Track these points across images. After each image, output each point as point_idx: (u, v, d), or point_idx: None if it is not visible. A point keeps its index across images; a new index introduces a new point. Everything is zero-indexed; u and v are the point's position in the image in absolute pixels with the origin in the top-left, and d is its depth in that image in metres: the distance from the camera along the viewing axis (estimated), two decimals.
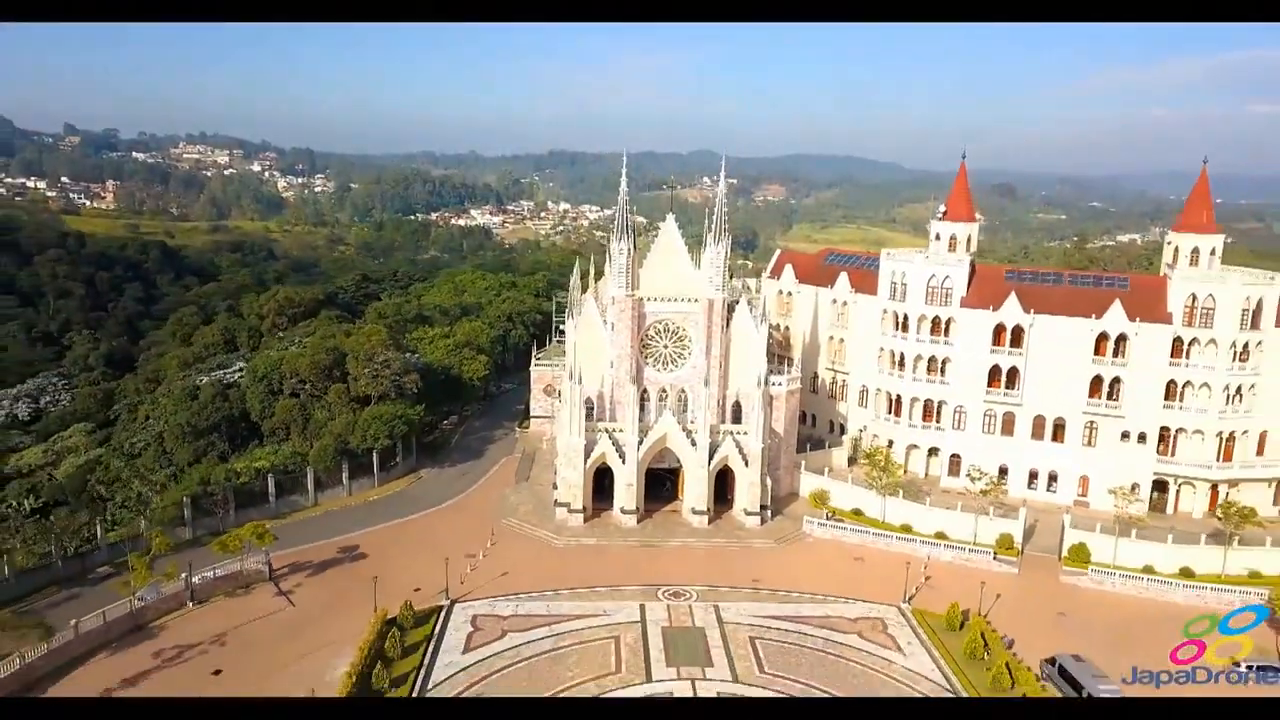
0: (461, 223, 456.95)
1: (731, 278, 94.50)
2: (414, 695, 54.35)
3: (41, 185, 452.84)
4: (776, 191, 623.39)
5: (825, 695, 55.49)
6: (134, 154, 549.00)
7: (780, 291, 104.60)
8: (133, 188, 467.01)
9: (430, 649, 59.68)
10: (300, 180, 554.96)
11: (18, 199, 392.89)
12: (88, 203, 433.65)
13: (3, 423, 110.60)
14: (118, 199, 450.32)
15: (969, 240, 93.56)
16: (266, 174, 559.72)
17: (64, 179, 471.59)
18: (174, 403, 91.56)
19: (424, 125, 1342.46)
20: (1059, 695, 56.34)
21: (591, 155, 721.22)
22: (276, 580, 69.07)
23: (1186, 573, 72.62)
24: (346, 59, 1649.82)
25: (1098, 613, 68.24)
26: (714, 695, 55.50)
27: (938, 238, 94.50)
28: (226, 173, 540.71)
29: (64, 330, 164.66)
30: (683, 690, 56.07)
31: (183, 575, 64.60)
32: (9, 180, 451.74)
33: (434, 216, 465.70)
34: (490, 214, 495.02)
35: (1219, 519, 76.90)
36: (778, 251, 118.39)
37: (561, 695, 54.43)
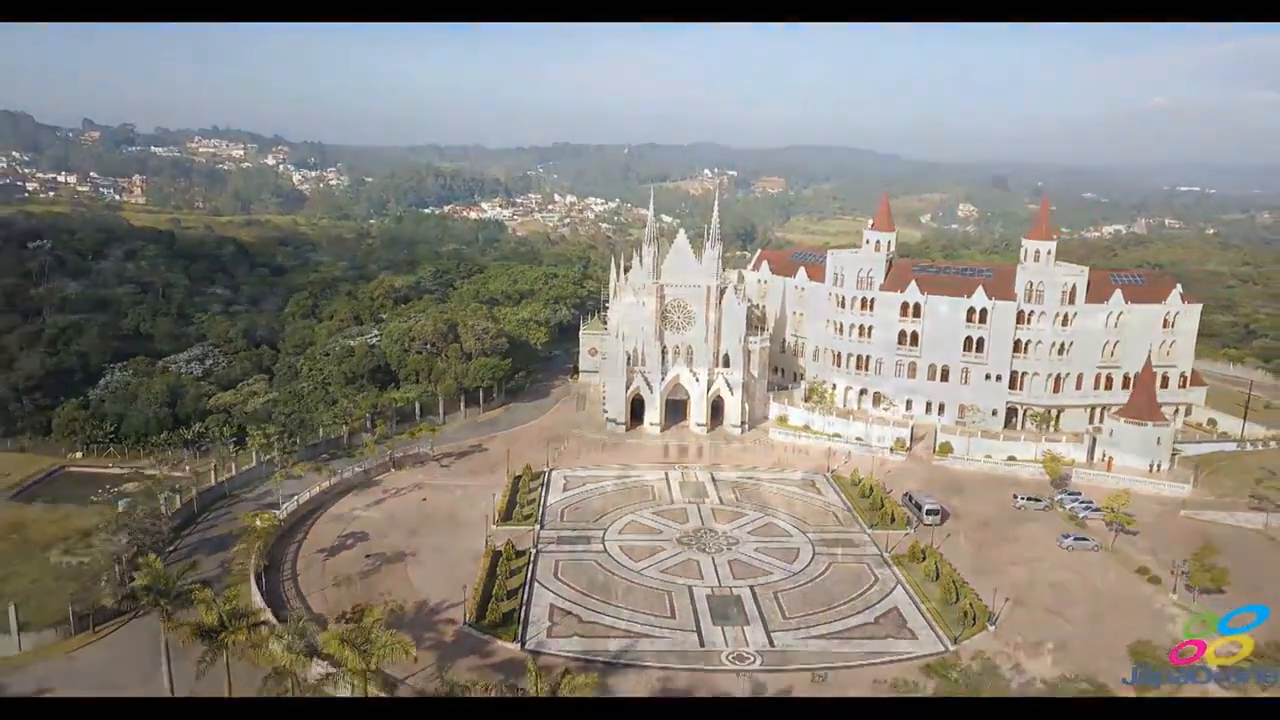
0: (473, 216, 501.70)
1: (725, 269, 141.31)
2: (541, 508, 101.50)
3: (72, 180, 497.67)
4: (775, 184, 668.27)
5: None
6: (153, 149, 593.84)
7: (759, 280, 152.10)
8: (160, 182, 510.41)
9: (545, 489, 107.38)
10: (314, 174, 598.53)
11: (51, 193, 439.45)
12: (118, 197, 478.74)
13: (189, 378, 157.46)
14: (145, 193, 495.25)
15: (889, 244, 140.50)
16: (281, 168, 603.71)
17: (92, 174, 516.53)
18: (336, 359, 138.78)
19: (429, 118, 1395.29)
20: (911, 517, 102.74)
21: (594, 147, 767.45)
22: (438, 459, 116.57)
23: (1011, 459, 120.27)
24: (349, 54, 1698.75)
25: (948, 479, 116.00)
26: (713, 509, 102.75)
27: (867, 242, 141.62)
28: (244, 166, 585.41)
29: (181, 313, 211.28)
30: (691, 509, 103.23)
31: (387, 453, 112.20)
32: (40, 175, 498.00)
33: (446, 210, 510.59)
34: (500, 207, 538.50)
35: (1034, 426, 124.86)
36: (759, 251, 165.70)
37: (620, 519, 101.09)
